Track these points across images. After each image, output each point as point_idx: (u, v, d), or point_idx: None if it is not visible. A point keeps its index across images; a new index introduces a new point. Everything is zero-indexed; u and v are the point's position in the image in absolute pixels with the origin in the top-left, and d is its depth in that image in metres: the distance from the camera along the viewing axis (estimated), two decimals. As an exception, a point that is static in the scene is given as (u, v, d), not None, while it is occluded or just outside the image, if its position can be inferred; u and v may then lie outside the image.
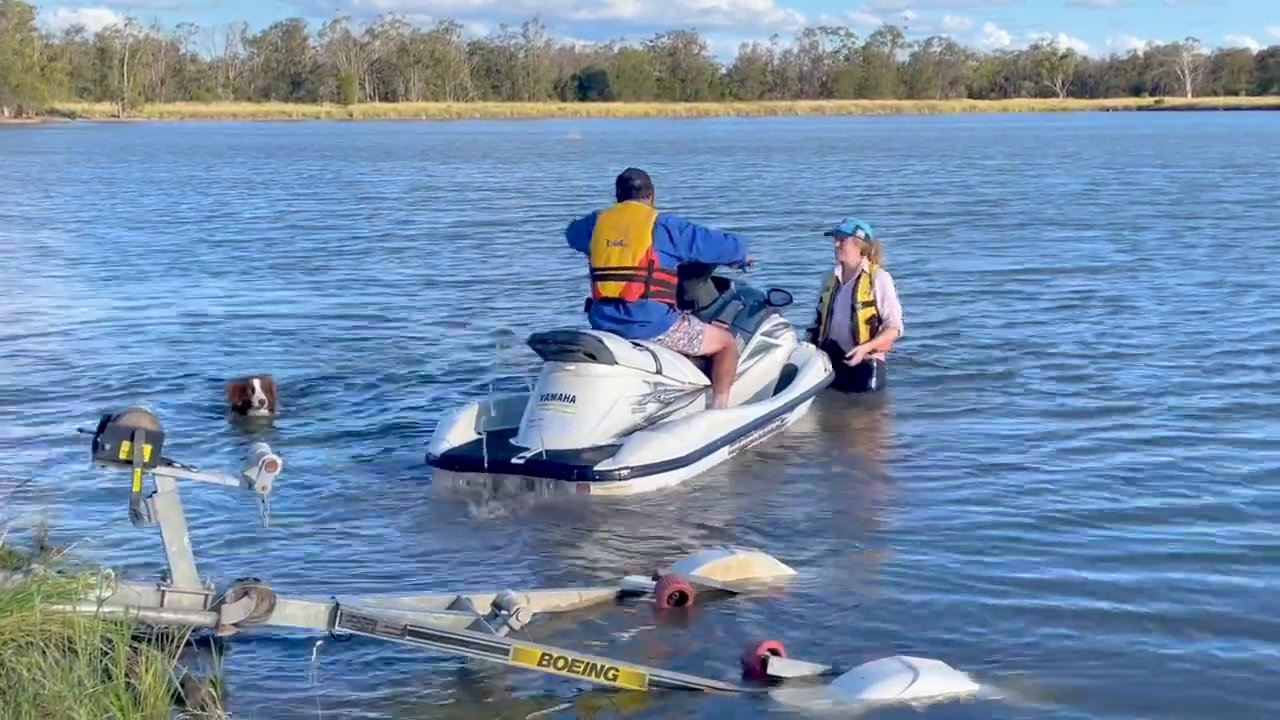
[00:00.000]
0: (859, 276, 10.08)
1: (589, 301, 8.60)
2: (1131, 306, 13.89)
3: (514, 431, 7.99)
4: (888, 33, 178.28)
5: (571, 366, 7.90)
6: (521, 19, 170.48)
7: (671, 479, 7.69)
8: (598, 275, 8.41)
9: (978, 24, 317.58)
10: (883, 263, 10.32)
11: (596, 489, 7.47)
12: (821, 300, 10.34)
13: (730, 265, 8.90)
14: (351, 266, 18.20)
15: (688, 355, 8.44)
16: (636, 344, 8.16)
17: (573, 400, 7.85)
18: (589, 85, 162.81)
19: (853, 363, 9.85)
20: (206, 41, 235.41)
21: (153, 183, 36.94)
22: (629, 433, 7.86)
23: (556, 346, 7.98)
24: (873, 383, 9.99)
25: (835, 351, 9.93)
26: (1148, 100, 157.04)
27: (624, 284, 8.29)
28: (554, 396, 7.89)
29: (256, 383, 9.38)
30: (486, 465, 7.59)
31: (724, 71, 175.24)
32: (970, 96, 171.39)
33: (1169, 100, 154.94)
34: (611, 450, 7.67)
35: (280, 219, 25.60)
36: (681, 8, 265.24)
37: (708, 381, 8.48)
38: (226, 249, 20.47)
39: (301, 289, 16.16)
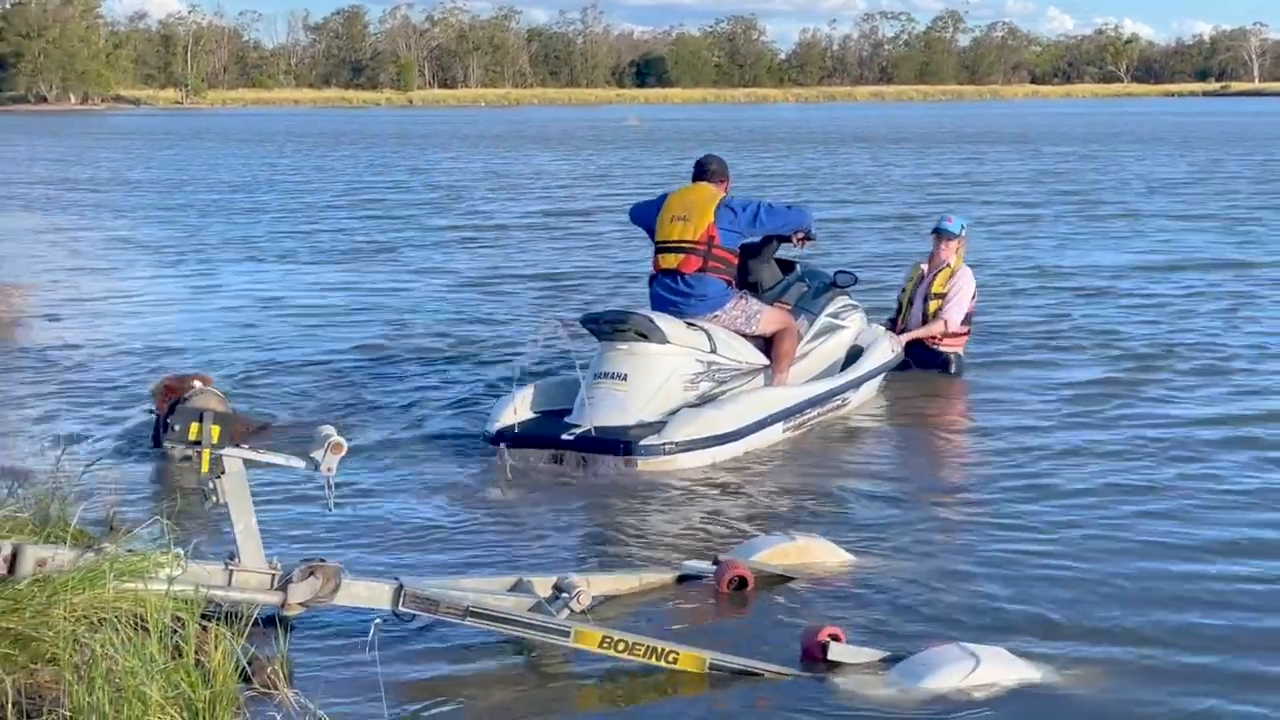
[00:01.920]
0: (941, 269, 10.13)
1: (651, 276, 8.72)
2: (1253, 303, 13.20)
3: (570, 411, 8.09)
4: (949, 17, 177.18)
5: (623, 345, 8.01)
6: (581, 5, 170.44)
7: (718, 455, 7.75)
8: (659, 248, 8.57)
9: (1041, 8, 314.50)
10: (965, 255, 10.32)
11: (643, 464, 7.57)
12: (904, 290, 10.40)
13: (797, 239, 8.96)
14: (424, 255, 18.19)
15: (746, 335, 8.50)
16: (690, 323, 8.24)
17: (624, 378, 7.96)
18: (647, 71, 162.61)
19: (900, 342, 9.83)
20: (269, 28, 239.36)
21: (225, 169, 37.14)
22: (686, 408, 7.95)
23: (609, 326, 8.10)
24: (951, 369, 10.00)
25: (910, 341, 9.98)
26: (1214, 85, 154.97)
27: (683, 256, 8.41)
28: (606, 375, 8.01)
29: (197, 384, 7.58)
30: (539, 442, 7.73)
31: (783, 57, 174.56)
32: (1033, 82, 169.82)
33: (1235, 86, 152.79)
34: (659, 426, 7.76)
35: (354, 206, 25.59)
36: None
37: (766, 361, 8.52)
38: (300, 238, 20.41)
39: (372, 275, 16.22)
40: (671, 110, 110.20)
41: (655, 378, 7.99)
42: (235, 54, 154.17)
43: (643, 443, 7.61)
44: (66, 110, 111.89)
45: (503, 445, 7.75)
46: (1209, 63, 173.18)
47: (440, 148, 49.45)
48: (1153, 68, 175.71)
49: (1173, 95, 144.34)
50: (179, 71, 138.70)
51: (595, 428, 7.72)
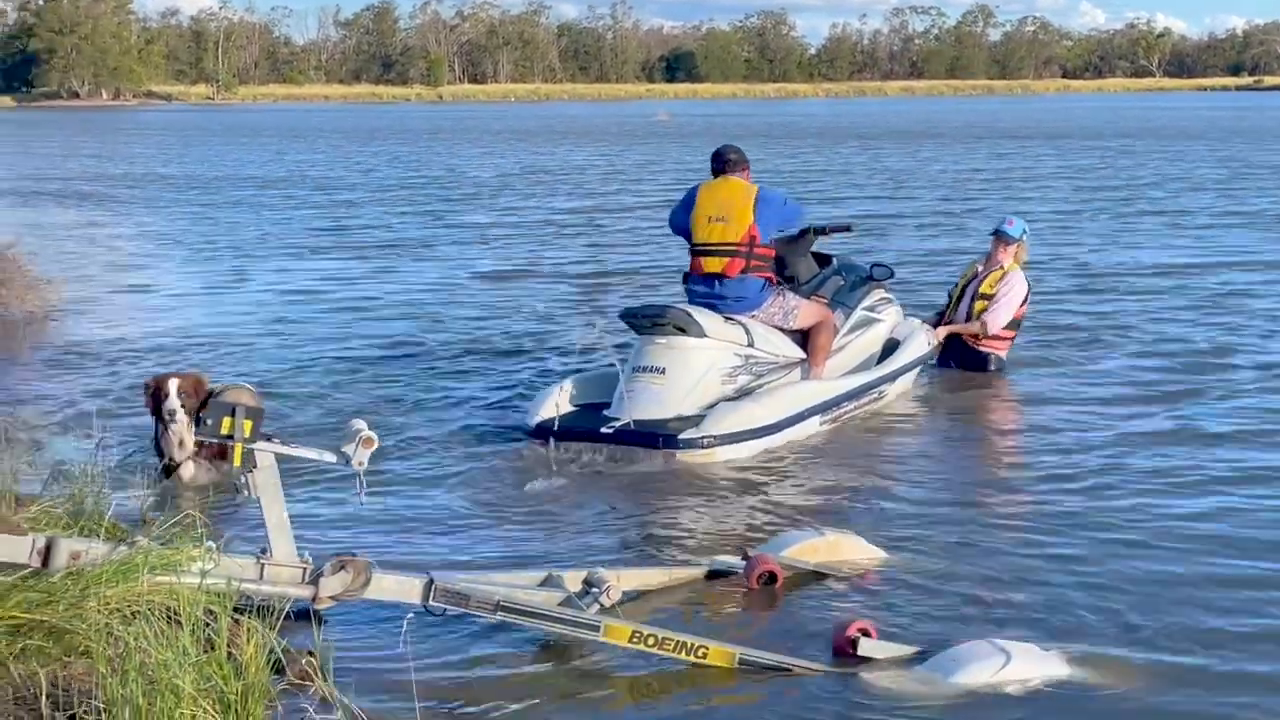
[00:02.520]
0: (993, 270, 10.05)
1: (686, 275, 8.74)
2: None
3: (608, 405, 8.13)
4: (979, 12, 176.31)
5: (662, 340, 8.07)
6: (610, 0, 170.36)
7: (756, 447, 7.80)
8: (699, 251, 8.55)
9: (1072, 3, 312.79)
10: (1023, 260, 10.22)
11: (682, 456, 7.61)
12: (956, 285, 10.33)
13: (824, 232, 9.02)
14: (458, 250, 18.19)
15: (783, 330, 8.52)
16: (728, 317, 8.28)
17: (662, 372, 8.01)
18: (676, 66, 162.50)
19: (936, 335, 9.81)
20: (299, 24, 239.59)
21: (259, 164, 37.12)
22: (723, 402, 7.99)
23: (647, 320, 8.15)
24: (990, 366, 9.95)
25: (952, 337, 9.97)
26: (1246, 80, 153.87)
27: (726, 260, 8.43)
28: (645, 369, 8.07)
29: (173, 385, 7.06)
30: (579, 435, 7.80)
31: (813, 52, 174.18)
32: (1064, 77, 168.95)
33: (1269, 80, 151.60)
34: (698, 420, 7.80)
35: (389, 202, 25.50)
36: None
37: (803, 355, 8.55)
38: (335, 233, 20.33)
39: (407, 271, 16.24)
40: (701, 105, 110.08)
41: (693, 372, 8.04)
42: (266, 50, 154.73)
43: (682, 436, 7.66)
44: (98, 106, 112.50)
45: (551, 441, 7.82)
46: (1241, 57, 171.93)
47: (473, 143, 49.49)
48: (1185, 62, 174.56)
49: (1205, 90, 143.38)
50: (210, 67, 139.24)
51: (634, 421, 7.77)
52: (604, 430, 7.78)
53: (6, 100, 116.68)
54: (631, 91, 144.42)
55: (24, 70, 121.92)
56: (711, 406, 7.96)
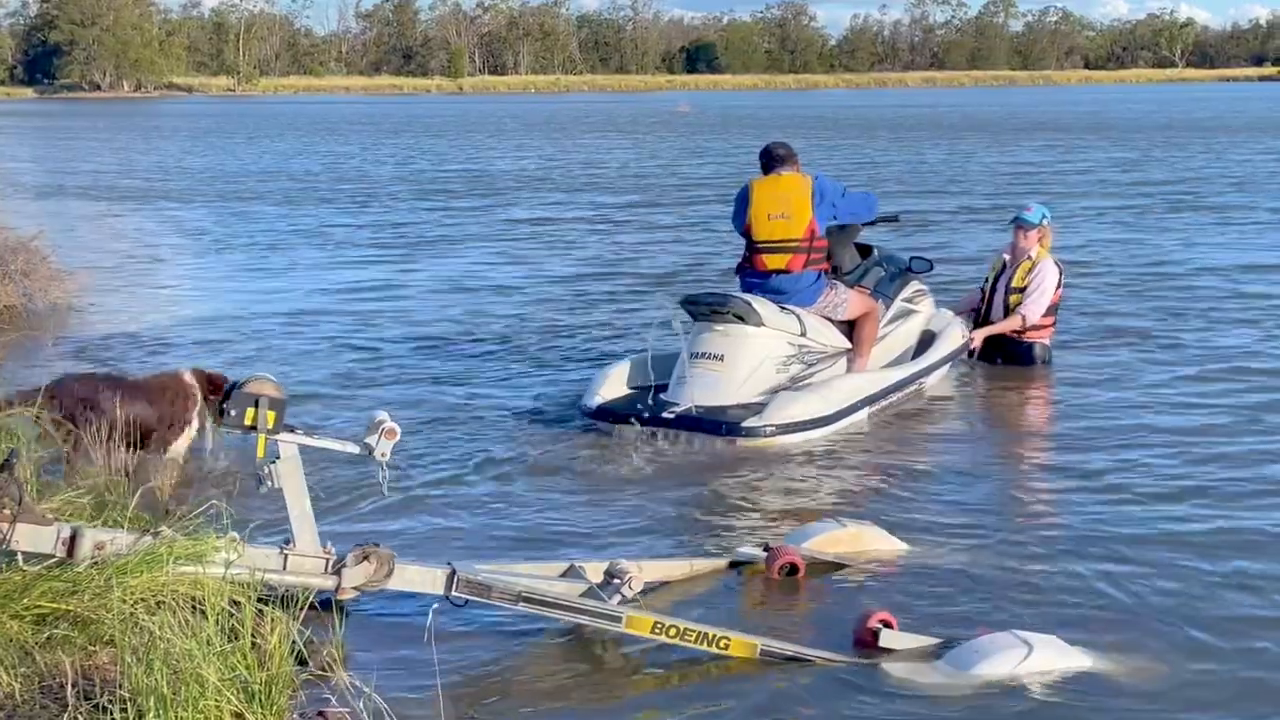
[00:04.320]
0: (1022, 261, 9.99)
1: (740, 267, 8.83)
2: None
3: (663, 388, 8.30)
4: (1000, 2, 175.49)
5: (720, 327, 8.24)
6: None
7: (814, 436, 7.93)
8: (761, 248, 8.63)
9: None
10: (1049, 244, 10.11)
11: (743, 443, 7.77)
12: (986, 280, 10.28)
13: (872, 224, 9.13)
14: (495, 246, 18.03)
15: (831, 320, 8.64)
16: (783, 307, 8.41)
17: (721, 359, 8.17)
18: (697, 57, 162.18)
19: (972, 345, 9.79)
20: (320, 16, 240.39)
21: (293, 159, 36.75)
22: (773, 391, 8.15)
23: (707, 308, 8.31)
24: (1037, 360, 9.91)
25: (992, 335, 9.96)
26: (1271, 70, 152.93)
27: (790, 256, 8.57)
28: (703, 355, 8.22)
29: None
30: (640, 419, 7.96)
31: (833, 43, 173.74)
32: (1086, 67, 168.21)
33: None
34: (758, 408, 7.95)
35: (418, 195, 25.25)
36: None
37: (849, 345, 8.69)
38: (371, 229, 19.96)
39: (436, 263, 16.22)
40: (722, 97, 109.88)
41: (751, 359, 8.19)
42: (287, 41, 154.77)
43: (745, 424, 7.82)
44: (120, 98, 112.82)
45: (638, 421, 7.97)
46: (1265, 47, 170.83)
47: (500, 134, 49.19)
48: (1207, 52, 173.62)
49: (1229, 80, 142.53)
50: (231, 59, 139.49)
51: (696, 407, 7.91)
52: (665, 415, 7.95)
53: (28, 92, 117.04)
54: (652, 83, 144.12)
55: (45, 62, 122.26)
56: (767, 393, 8.12)
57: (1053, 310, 10.01)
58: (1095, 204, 21.86)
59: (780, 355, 8.30)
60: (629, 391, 8.39)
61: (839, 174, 25.81)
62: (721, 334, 8.23)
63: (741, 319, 8.20)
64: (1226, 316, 11.95)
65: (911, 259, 9.58)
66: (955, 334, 9.56)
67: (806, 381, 8.36)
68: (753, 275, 8.69)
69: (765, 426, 7.82)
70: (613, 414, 8.09)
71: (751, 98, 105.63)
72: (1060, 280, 10.02)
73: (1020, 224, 10.03)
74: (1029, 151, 35.58)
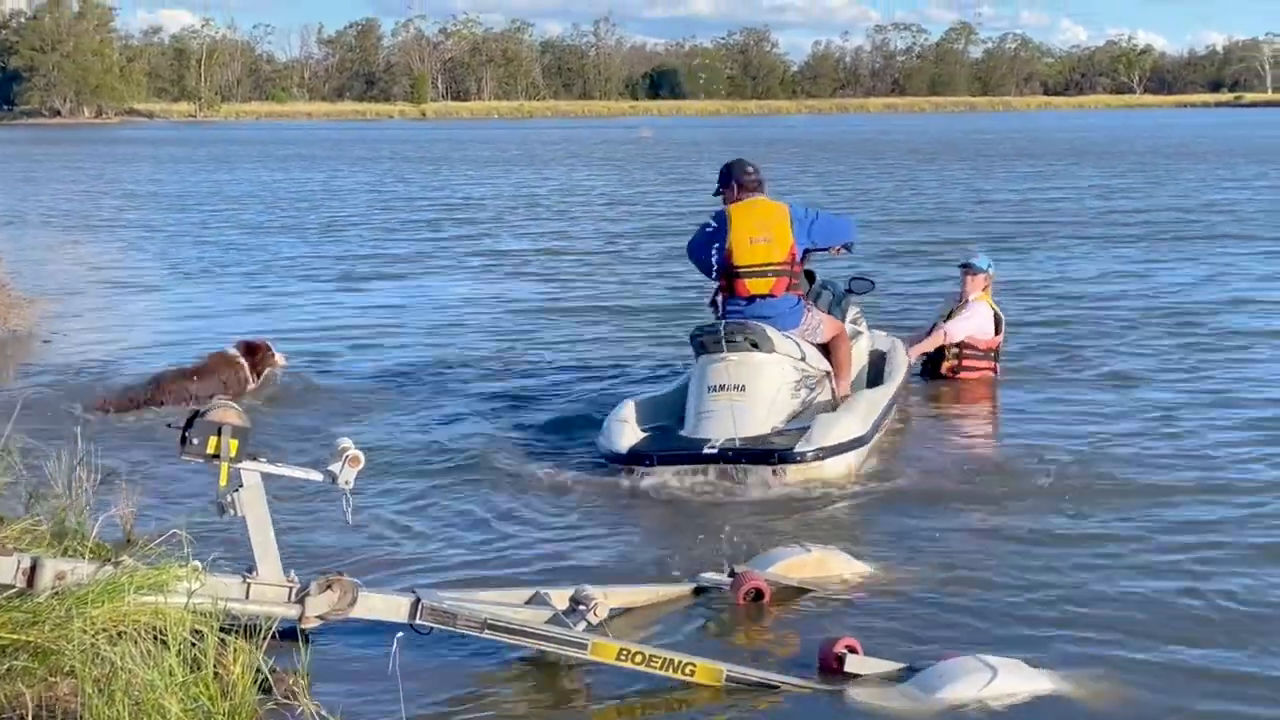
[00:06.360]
0: (963, 305, 10.42)
1: (717, 296, 8.68)
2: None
3: (665, 428, 8.16)
4: (961, 29, 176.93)
5: (735, 356, 8.07)
6: (593, 17, 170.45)
7: (854, 459, 7.85)
8: (743, 273, 8.49)
9: (1054, 19, 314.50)
10: (992, 292, 10.57)
11: (793, 472, 7.59)
12: (941, 316, 10.58)
13: (835, 250, 9.05)
14: (464, 273, 18.04)
15: (811, 343, 8.64)
16: (784, 333, 8.37)
17: (743, 389, 8.02)
18: (660, 83, 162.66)
19: (910, 359, 9.93)
20: (282, 41, 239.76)
21: (260, 186, 36.36)
22: (792, 417, 8.10)
23: (722, 338, 8.12)
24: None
25: (936, 366, 10.34)
26: (1227, 96, 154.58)
27: (774, 280, 8.50)
28: (722, 387, 8.05)
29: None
30: (680, 460, 7.70)
31: (795, 69, 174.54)
32: (1045, 93, 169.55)
33: (1249, 96, 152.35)
34: (795, 434, 7.81)
35: (394, 228, 24.55)
36: (755, 4, 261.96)
37: (829, 367, 8.65)
38: (334, 258, 19.67)
39: (412, 294, 16.13)
40: (685, 122, 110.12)
41: (770, 386, 8.10)
42: (249, 67, 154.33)
43: (794, 450, 7.62)
44: (81, 124, 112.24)
45: (646, 465, 7.71)
46: (1222, 73, 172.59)
47: (467, 163, 48.78)
48: (1165, 78, 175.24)
49: (1186, 106, 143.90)
50: (192, 85, 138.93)
51: (739, 439, 7.74)
52: (706, 451, 7.70)
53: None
54: (615, 108, 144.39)
55: (5, 88, 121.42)
56: (787, 419, 8.05)
57: (995, 355, 10.37)
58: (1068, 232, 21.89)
59: (791, 380, 8.22)
60: (645, 433, 8.01)
61: (809, 199, 25.80)
62: (737, 363, 8.04)
63: (756, 346, 8.09)
64: (1196, 342, 11.97)
65: (851, 280, 9.62)
66: (901, 352, 9.65)
67: (845, 403, 8.36)
68: (734, 301, 8.54)
69: (815, 450, 7.62)
70: (647, 457, 7.75)
71: (714, 123, 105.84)
72: (1001, 328, 10.42)
73: (969, 269, 10.51)
74: (1000, 181, 35.80)
